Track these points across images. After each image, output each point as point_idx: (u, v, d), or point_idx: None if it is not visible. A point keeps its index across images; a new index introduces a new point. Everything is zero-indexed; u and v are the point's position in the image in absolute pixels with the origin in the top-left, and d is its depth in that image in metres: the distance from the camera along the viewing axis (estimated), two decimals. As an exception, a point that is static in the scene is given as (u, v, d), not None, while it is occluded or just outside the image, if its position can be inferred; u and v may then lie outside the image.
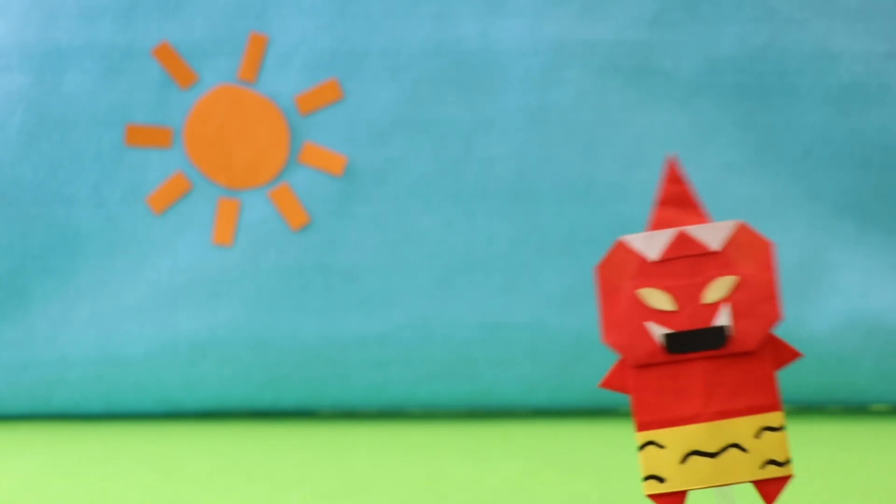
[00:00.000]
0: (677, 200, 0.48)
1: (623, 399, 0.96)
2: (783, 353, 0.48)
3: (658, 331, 0.47)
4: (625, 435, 0.90)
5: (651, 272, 0.47)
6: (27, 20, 0.93)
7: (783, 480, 0.47)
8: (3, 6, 0.93)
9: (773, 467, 0.47)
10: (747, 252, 0.47)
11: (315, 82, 0.91)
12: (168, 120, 0.92)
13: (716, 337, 0.47)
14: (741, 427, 0.47)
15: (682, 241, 0.47)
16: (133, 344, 0.92)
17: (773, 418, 0.47)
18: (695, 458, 0.47)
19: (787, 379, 0.94)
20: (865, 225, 0.92)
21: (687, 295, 0.47)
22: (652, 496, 0.47)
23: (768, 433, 0.47)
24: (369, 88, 0.91)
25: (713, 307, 0.47)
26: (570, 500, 0.69)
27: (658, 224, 0.48)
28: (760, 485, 0.47)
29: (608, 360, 0.93)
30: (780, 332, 0.92)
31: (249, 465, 0.80)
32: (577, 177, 0.91)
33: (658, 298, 0.47)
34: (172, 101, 0.92)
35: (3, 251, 0.92)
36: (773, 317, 0.47)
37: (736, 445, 0.47)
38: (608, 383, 0.48)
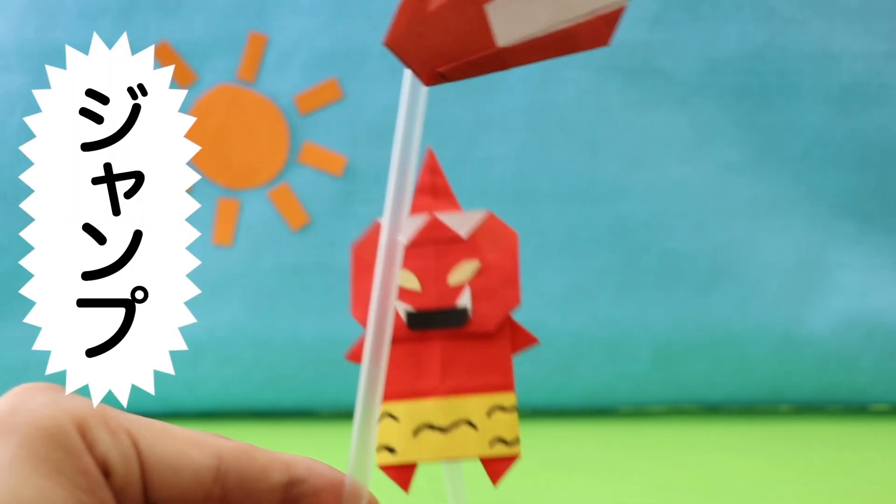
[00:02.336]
0: (433, 189, 0.51)
1: (623, 400, 0.96)
2: (521, 338, 0.49)
3: (402, 308, 0.49)
4: (624, 435, 0.90)
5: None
6: (27, 20, 0.93)
7: (510, 460, 0.49)
8: (3, 6, 0.93)
9: (501, 446, 0.49)
10: (494, 240, 0.50)
11: (315, 82, 0.91)
12: (168, 120, 0.92)
13: (456, 317, 0.49)
14: (474, 405, 0.48)
15: (433, 226, 0.50)
16: (133, 344, 0.92)
17: (506, 398, 0.49)
18: (426, 431, 0.48)
19: (787, 379, 0.94)
20: (865, 225, 0.92)
21: (433, 277, 0.49)
22: (382, 467, 0.49)
23: (500, 413, 0.48)
24: (369, 88, 0.91)
25: (457, 289, 0.49)
26: (570, 500, 0.69)
27: (413, 210, 0.50)
28: (487, 462, 0.49)
29: (608, 360, 0.93)
30: (780, 330, 0.93)
31: (249, 465, 0.80)
32: (578, 177, 0.91)
33: (405, 278, 0.49)
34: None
35: (3, 251, 0.92)
36: (513, 301, 0.49)
37: (468, 422, 0.48)
38: (353, 356, 0.49)
